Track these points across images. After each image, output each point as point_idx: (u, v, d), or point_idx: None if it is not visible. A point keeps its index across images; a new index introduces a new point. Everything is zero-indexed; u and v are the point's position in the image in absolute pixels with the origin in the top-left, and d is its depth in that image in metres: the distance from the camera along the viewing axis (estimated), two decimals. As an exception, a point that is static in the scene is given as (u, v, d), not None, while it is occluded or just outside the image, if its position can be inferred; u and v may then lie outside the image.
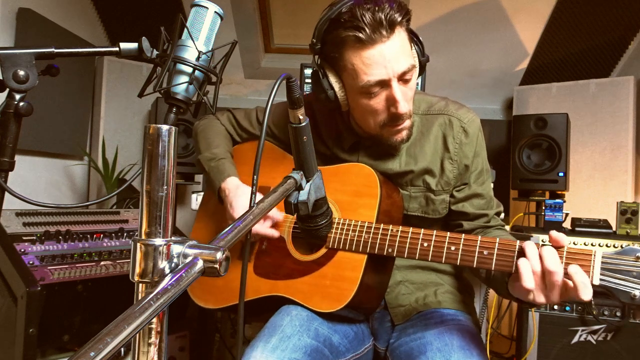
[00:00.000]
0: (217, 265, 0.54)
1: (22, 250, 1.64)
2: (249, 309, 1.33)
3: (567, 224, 2.23)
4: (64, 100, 2.58)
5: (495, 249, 1.00)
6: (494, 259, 1.00)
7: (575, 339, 1.94)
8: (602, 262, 0.89)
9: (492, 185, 1.33)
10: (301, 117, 0.83)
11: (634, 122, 2.59)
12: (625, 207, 2.05)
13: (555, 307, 1.97)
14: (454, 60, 2.97)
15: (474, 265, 1.02)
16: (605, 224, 2.09)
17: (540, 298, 0.92)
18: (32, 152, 2.45)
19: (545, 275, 0.90)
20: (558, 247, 0.93)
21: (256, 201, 0.70)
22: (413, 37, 1.18)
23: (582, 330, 1.94)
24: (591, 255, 0.90)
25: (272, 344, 1.09)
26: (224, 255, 0.54)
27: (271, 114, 1.47)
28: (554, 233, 0.93)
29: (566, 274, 0.89)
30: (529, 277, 0.90)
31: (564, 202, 2.27)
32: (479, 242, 1.02)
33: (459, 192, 1.27)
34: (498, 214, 1.31)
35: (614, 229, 2.08)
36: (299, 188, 0.83)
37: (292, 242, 1.30)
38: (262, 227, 1.26)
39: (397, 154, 1.27)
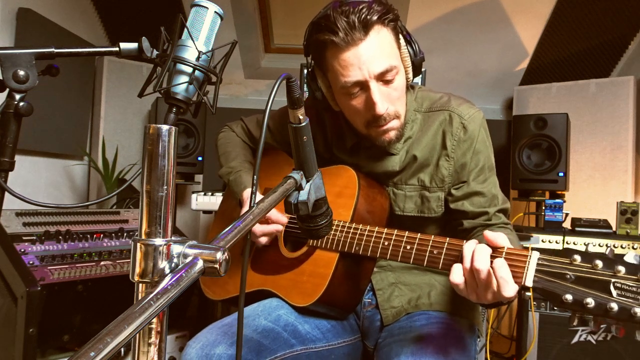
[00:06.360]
0: (217, 266, 0.53)
1: (22, 250, 1.64)
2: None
3: (567, 224, 2.23)
4: (64, 100, 2.58)
5: (444, 248, 1.01)
6: (442, 258, 1.00)
7: (575, 339, 1.94)
8: (538, 264, 0.88)
9: (497, 182, 1.29)
10: (301, 117, 0.83)
11: (634, 122, 2.59)
12: (625, 207, 2.05)
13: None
14: (454, 60, 2.97)
15: (424, 264, 1.03)
16: (605, 224, 2.09)
17: (472, 296, 0.91)
18: (32, 152, 2.46)
19: (473, 274, 0.89)
20: (495, 247, 0.91)
21: (256, 201, 0.70)
22: (406, 36, 1.16)
23: (582, 330, 1.94)
24: (527, 256, 0.89)
25: (224, 322, 1.18)
26: (224, 255, 0.54)
27: (277, 120, 1.47)
28: (488, 233, 0.92)
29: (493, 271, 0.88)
30: (457, 273, 0.91)
31: (564, 202, 2.27)
32: (431, 241, 1.03)
33: (457, 190, 1.23)
34: (502, 211, 1.24)
35: (614, 229, 2.09)
36: (299, 188, 0.83)
37: (283, 240, 1.34)
38: (260, 228, 1.27)
39: (396, 153, 1.25)
